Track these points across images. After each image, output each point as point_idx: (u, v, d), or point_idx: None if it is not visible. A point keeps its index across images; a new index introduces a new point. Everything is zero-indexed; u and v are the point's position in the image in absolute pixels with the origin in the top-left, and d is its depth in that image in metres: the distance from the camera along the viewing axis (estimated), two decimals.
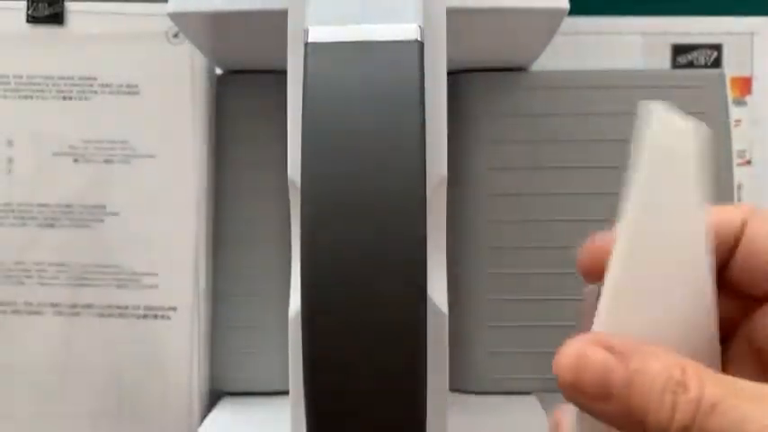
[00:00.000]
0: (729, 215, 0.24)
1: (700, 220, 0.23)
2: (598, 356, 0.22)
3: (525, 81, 0.49)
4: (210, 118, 0.50)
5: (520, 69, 0.49)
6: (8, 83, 0.51)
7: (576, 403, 0.22)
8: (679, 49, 0.56)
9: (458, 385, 0.49)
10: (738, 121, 0.55)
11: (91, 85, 0.50)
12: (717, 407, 0.21)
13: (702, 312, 0.23)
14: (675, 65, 0.56)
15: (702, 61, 0.56)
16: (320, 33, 0.28)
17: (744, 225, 0.24)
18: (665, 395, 0.21)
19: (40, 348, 0.49)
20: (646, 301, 0.23)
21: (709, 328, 0.23)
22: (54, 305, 0.49)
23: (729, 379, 0.21)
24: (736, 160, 0.50)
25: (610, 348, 0.22)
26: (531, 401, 0.48)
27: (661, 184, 0.22)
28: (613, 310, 0.23)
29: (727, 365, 0.24)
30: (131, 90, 0.50)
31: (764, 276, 0.23)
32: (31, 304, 0.50)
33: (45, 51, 0.51)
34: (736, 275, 0.24)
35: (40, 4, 0.51)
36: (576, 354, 0.22)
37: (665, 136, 0.23)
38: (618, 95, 0.49)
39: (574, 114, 0.49)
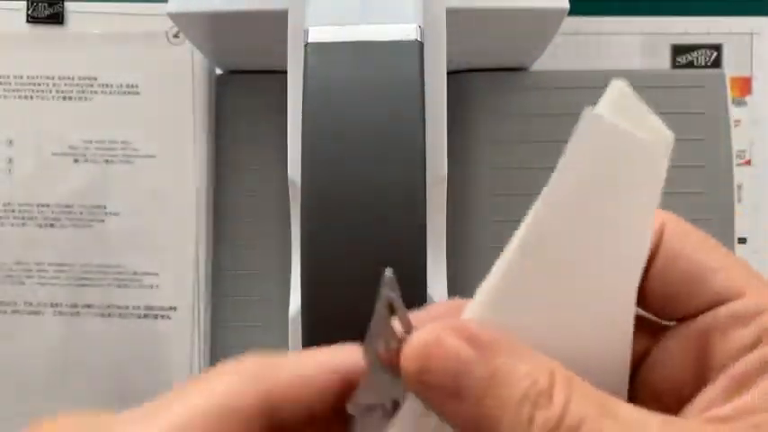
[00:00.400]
0: None
1: (621, 230, 0.20)
2: (453, 345, 0.18)
3: (526, 81, 0.49)
4: (210, 118, 0.50)
5: (520, 69, 0.49)
6: (8, 83, 0.51)
7: (422, 399, 0.19)
8: (679, 50, 0.56)
9: None
10: (738, 121, 0.55)
11: (91, 85, 0.50)
12: (578, 430, 0.17)
13: (613, 334, 0.20)
14: (675, 65, 0.56)
15: (702, 61, 0.56)
16: (320, 33, 0.28)
17: (661, 231, 0.21)
18: (524, 406, 0.18)
19: (40, 348, 0.49)
20: (542, 299, 0.19)
21: (618, 354, 0.20)
22: (54, 305, 0.49)
23: (603, 396, 0.18)
24: (736, 160, 0.50)
25: (471, 339, 0.18)
26: None
27: (581, 184, 0.19)
28: (497, 296, 0.19)
29: (642, 367, 0.22)
30: (131, 90, 0.50)
31: (682, 289, 0.20)
32: (31, 304, 0.50)
33: (45, 51, 0.51)
34: (654, 291, 0.21)
35: (40, 5, 0.51)
36: (426, 339, 0.18)
37: (598, 138, 0.20)
38: None
39: (574, 114, 0.48)
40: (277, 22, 0.34)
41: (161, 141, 0.50)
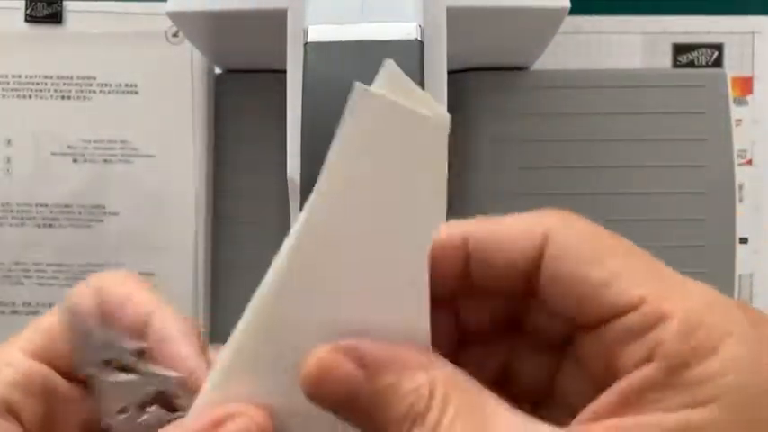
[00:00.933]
0: (529, 228, 0.21)
1: (405, 202, 0.20)
2: (343, 370, 0.20)
3: (526, 80, 0.49)
4: (209, 117, 0.50)
5: (521, 69, 0.49)
6: (7, 82, 0.50)
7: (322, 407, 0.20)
8: (680, 49, 0.56)
9: None
10: (739, 121, 0.55)
11: (90, 85, 0.50)
12: None
13: (408, 302, 0.20)
14: (676, 64, 0.56)
15: (703, 61, 0.56)
16: (320, 33, 0.28)
17: (542, 245, 0.20)
18: (403, 423, 0.19)
19: None
20: (331, 275, 0.20)
21: (415, 322, 0.20)
22: (53, 306, 0.49)
23: (481, 407, 0.19)
24: (737, 160, 0.50)
25: (360, 359, 0.20)
26: None
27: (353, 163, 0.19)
28: (282, 280, 0.20)
29: (557, 379, 0.22)
30: (130, 90, 0.50)
31: (575, 306, 0.20)
32: (29, 305, 0.49)
33: (44, 51, 0.51)
34: (549, 307, 0.21)
35: (38, 4, 0.51)
36: (320, 363, 0.20)
37: (372, 114, 0.19)
38: (619, 95, 0.49)
39: (575, 113, 0.48)
40: (276, 21, 0.34)
41: (160, 141, 0.50)
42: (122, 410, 0.24)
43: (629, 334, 0.19)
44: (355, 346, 0.20)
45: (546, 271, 0.20)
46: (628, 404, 0.18)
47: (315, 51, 0.28)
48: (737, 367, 0.18)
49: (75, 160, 0.50)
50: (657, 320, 0.19)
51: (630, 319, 0.19)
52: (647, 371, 0.18)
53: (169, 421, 0.23)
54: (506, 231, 0.21)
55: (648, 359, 0.18)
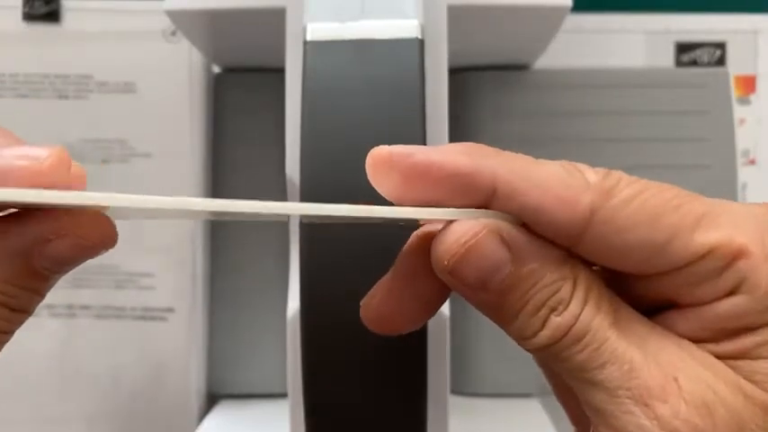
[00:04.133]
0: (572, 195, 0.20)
1: None
2: (493, 250, 0.20)
3: (528, 79, 0.49)
4: (208, 116, 0.50)
5: (522, 67, 0.49)
6: (3, 81, 0.50)
7: (450, 285, 0.20)
8: (682, 48, 0.56)
9: (459, 388, 0.48)
10: (742, 120, 0.54)
11: (87, 84, 0.50)
12: (586, 337, 0.20)
13: None
14: (679, 63, 0.56)
15: (706, 59, 0.56)
16: (319, 31, 0.28)
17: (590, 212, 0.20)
18: (542, 309, 0.20)
19: (36, 350, 0.49)
20: None
21: None
22: (50, 306, 0.49)
23: (617, 308, 0.20)
24: (740, 160, 0.50)
25: (506, 243, 0.20)
26: (532, 404, 0.47)
27: None
28: None
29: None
30: (128, 88, 0.50)
31: (630, 258, 0.20)
32: None
33: (41, 49, 0.50)
34: (592, 256, 0.21)
35: (36, 2, 0.51)
36: (470, 236, 0.20)
37: None
38: (621, 94, 0.48)
39: (576, 112, 0.48)
40: (275, 19, 0.34)
41: (158, 140, 0.49)
42: None
43: (703, 277, 0.20)
44: (501, 227, 0.20)
45: (593, 240, 0.20)
46: (722, 332, 0.20)
47: (314, 50, 0.28)
48: None
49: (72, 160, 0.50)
50: (734, 259, 0.19)
51: (704, 265, 0.20)
52: (736, 301, 0.20)
53: None
54: (547, 200, 0.20)
55: (734, 291, 0.20)
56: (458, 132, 0.48)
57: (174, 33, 0.49)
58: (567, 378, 0.20)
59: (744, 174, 0.53)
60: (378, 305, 0.22)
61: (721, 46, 0.55)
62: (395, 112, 0.26)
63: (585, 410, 0.20)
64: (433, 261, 0.20)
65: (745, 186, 0.54)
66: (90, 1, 0.51)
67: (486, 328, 0.48)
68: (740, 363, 0.20)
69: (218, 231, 0.50)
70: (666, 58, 0.56)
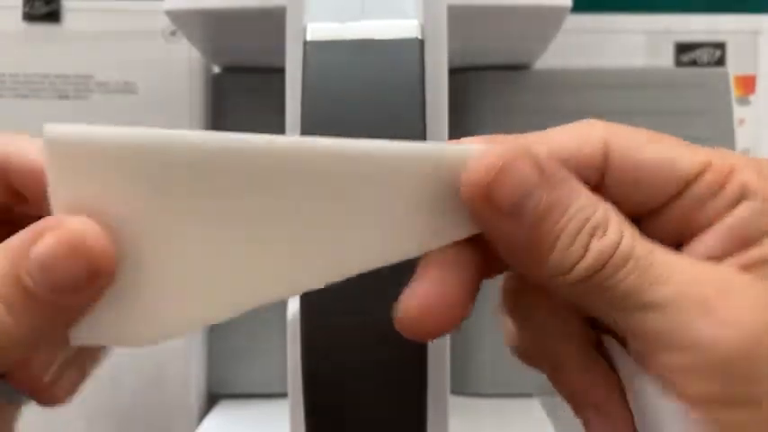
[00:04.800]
0: (586, 139, 0.22)
1: None
2: (525, 170, 0.19)
3: (528, 79, 0.49)
4: (208, 116, 0.50)
5: (522, 67, 0.49)
6: (4, 81, 0.50)
7: (481, 217, 0.20)
8: (682, 48, 0.56)
9: (459, 388, 0.48)
10: (742, 120, 0.54)
11: (87, 84, 0.50)
12: (630, 261, 0.19)
13: None
14: (679, 63, 0.56)
15: (706, 60, 0.56)
16: (319, 31, 0.28)
17: (605, 145, 0.21)
18: (581, 235, 0.19)
19: None
20: None
21: None
22: None
23: (647, 240, 0.20)
24: None
25: (538, 167, 0.19)
26: (533, 404, 0.47)
27: None
28: None
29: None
30: (128, 88, 0.50)
31: (647, 181, 0.21)
32: None
33: (41, 49, 0.50)
34: (614, 192, 0.21)
35: (36, 3, 0.51)
36: (501, 158, 0.19)
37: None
38: (621, 94, 0.48)
39: (576, 112, 0.48)
40: (275, 18, 0.34)
41: None
42: None
43: (707, 193, 0.21)
44: (534, 152, 0.20)
45: (613, 172, 0.21)
46: (738, 242, 0.20)
47: (314, 50, 0.28)
48: None
49: None
50: (730, 173, 0.21)
51: (704, 181, 0.21)
52: (741, 209, 0.20)
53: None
54: (567, 145, 0.21)
55: (737, 203, 0.20)
56: (458, 132, 0.48)
57: (173, 33, 0.49)
58: (608, 311, 0.20)
59: None
60: (421, 297, 0.21)
61: (721, 46, 0.55)
62: (395, 112, 0.26)
63: (632, 344, 0.20)
64: (466, 191, 0.20)
65: None
66: (90, 1, 0.51)
67: (486, 328, 0.48)
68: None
69: None
70: (666, 59, 0.56)
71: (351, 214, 0.21)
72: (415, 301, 0.21)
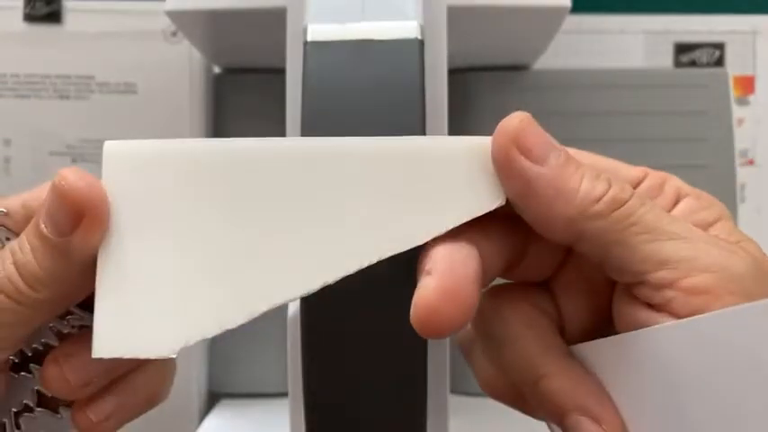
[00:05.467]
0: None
1: None
2: (541, 130, 0.23)
3: (527, 80, 0.49)
4: (208, 117, 0.50)
5: (522, 68, 0.49)
6: (5, 82, 0.50)
7: (511, 165, 0.22)
8: (681, 48, 0.56)
9: (459, 388, 0.48)
10: (741, 121, 0.54)
11: (88, 84, 0.50)
12: (647, 202, 0.22)
13: None
14: (678, 63, 0.56)
15: (705, 60, 0.56)
16: (319, 32, 0.28)
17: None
18: (602, 174, 0.22)
19: None
20: None
21: None
22: None
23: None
24: (738, 160, 0.50)
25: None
26: None
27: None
28: None
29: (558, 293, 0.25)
30: (129, 89, 0.50)
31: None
32: None
33: (42, 50, 0.51)
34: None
35: (37, 3, 0.51)
36: (529, 116, 0.23)
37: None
38: (620, 94, 0.48)
39: (576, 113, 0.48)
40: (276, 19, 0.34)
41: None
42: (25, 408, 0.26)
43: (649, 195, 0.23)
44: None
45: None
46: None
47: (315, 50, 0.28)
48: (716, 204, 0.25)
49: (73, 160, 0.50)
50: (664, 179, 0.25)
51: (646, 185, 0.24)
52: (681, 207, 0.24)
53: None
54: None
55: (676, 202, 0.24)
56: (458, 132, 0.48)
57: (174, 34, 0.50)
58: (634, 247, 0.21)
59: (742, 174, 0.53)
60: (437, 291, 0.21)
61: (720, 46, 0.56)
62: (395, 112, 0.26)
63: (654, 277, 0.21)
64: (498, 144, 0.23)
65: (744, 186, 0.54)
66: (91, 2, 0.51)
67: None
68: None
69: None
70: (665, 59, 0.56)
71: (350, 208, 0.22)
72: (431, 295, 0.21)
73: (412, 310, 0.21)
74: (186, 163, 0.23)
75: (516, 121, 0.23)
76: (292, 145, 0.23)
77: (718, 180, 0.48)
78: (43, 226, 0.23)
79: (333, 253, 0.22)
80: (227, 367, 0.49)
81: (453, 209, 0.22)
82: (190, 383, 0.48)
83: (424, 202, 0.22)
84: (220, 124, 0.50)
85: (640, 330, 0.21)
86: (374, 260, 0.22)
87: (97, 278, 0.22)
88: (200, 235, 0.22)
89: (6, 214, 0.26)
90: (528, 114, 0.23)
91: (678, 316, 0.21)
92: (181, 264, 0.22)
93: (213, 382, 0.50)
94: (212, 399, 0.50)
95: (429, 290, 0.21)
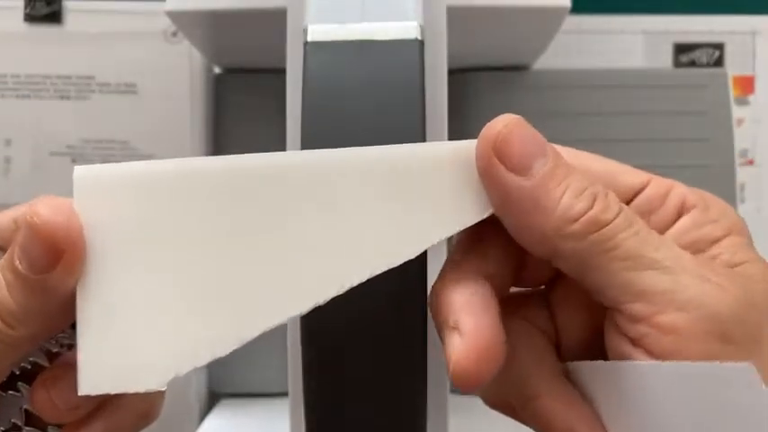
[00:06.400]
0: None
1: None
2: (533, 133, 0.21)
3: (527, 80, 0.49)
4: (209, 117, 0.50)
5: (522, 68, 0.49)
6: (6, 82, 0.50)
7: (490, 174, 0.21)
8: (681, 48, 0.56)
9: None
10: (741, 121, 0.55)
11: (89, 85, 0.50)
12: (634, 224, 0.20)
13: None
14: (677, 64, 0.56)
15: (704, 60, 0.56)
16: (320, 32, 0.28)
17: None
18: (586, 191, 0.21)
19: None
20: None
21: None
22: None
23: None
24: (738, 160, 0.50)
25: (540, 138, 0.21)
26: None
27: None
28: None
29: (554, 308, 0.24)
30: (129, 89, 0.50)
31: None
32: None
33: (43, 50, 0.51)
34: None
35: (37, 3, 0.51)
36: (516, 120, 0.21)
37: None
38: (620, 94, 0.48)
39: (576, 113, 0.48)
40: (276, 20, 0.34)
41: (159, 141, 0.49)
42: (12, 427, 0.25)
43: (651, 205, 0.22)
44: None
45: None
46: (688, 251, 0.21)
47: (315, 51, 0.28)
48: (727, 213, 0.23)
49: (74, 160, 0.50)
50: (669, 188, 0.23)
51: (647, 193, 0.23)
52: (685, 220, 0.22)
53: None
54: None
55: (679, 215, 0.22)
56: (458, 132, 0.48)
57: (174, 34, 0.50)
58: (611, 273, 0.20)
59: (742, 174, 0.53)
60: (472, 350, 0.21)
61: (719, 47, 0.56)
62: (395, 112, 0.26)
63: (631, 309, 0.20)
64: (480, 151, 0.21)
65: (744, 186, 0.54)
66: (91, 2, 0.51)
67: None
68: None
69: None
70: (665, 59, 0.56)
71: (347, 222, 0.22)
72: (467, 361, 0.21)
73: (450, 371, 0.21)
74: (161, 186, 0.22)
75: (500, 125, 0.21)
76: (269, 162, 0.22)
77: (718, 180, 0.48)
78: (18, 262, 0.21)
79: (321, 273, 0.21)
80: (227, 367, 0.49)
81: (442, 221, 0.22)
82: (190, 383, 0.48)
83: (411, 214, 0.21)
84: (220, 124, 0.50)
85: (627, 363, 0.21)
86: (364, 278, 0.21)
87: (77, 312, 0.21)
88: (181, 260, 0.21)
89: None
90: (514, 117, 0.21)
91: (652, 354, 0.20)
92: (163, 291, 0.21)
93: (213, 382, 0.50)
94: (212, 399, 0.50)
95: (463, 354, 0.21)
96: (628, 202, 0.23)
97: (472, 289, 0.21)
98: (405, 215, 0.22)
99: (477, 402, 0.49)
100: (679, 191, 0.23)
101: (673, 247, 0.21)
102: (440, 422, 0.31)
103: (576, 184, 0.21)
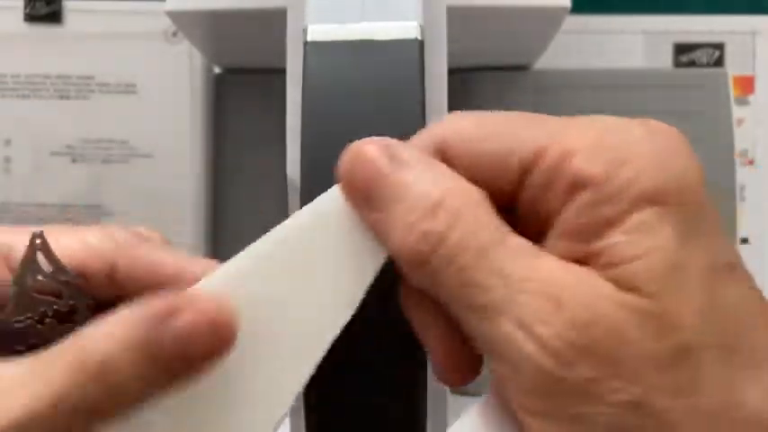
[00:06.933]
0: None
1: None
2: (372, 155, 0.20)
3: (527, 80, 0.49)
4: (209, 117, 0.50)
5: (522, 68, 0.49)
6: (6, 82, 0.50)
7: (360, 212, 0.21)
8: (681, 48, 0.56)
9: (459, 388, 0.48)
10: (741, 121, 0.55)
11: (89, 85, 0.50)
12: (461, 255, 0.19)
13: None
14: (677, 64, 0.56)
15: (704, 60, 0.56)
16: (320, 32, 0.28)
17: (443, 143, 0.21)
18: (415, 218, 0.19)
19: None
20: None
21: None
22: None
23: (502, 233, 0.19)
24: (738, 160, 0.50)
25: (392, 156, 0.20)
26: None
27: None
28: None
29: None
30: (129, 89, 0.50)
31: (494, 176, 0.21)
32: None
33: (43, 50, 0.51)
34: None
35: (37, 3, 0.51)
36: (356, 149, 0.21)
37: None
38: (620, 94, 0.48)
39: (576, 113, 0.48)
40: (276, 20, 0.34)
41: (159, 141, 0.50)
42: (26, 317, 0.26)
43: (542, 185, 0.20)
44: (390, 142, 0.21)
45: (456, 165, 0.21)
46: (578, 237, 0.19)
47: (315, 50, 0.28)
48: (648, 172, 0.19)
49: (74, 160, 0.50)
50: (561, 161, 0.19)
51: (539, 169, 0.20)
52: (581, 197, 0.19)
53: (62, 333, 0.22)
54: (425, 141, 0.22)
55: (570, 195, 0.19)
56: None
57: (174, 34, 0.50)
58: (455, 308, 0.20)
59: (742, 174, 0.53)
60: (441, 367, 0.22)
61: (720, 47, 0.56)
62: (395, 112, 0.26)
63: (477, 345, 0.20)
64: (343, 186, 0.21)
65: (744, 187, 0.54)
66: (91, 2, 0.51)
67: None
68: (619, 271, 0.18)
69: (220, 232, 0.50)
70: (665, 59, 0.56)
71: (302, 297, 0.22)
72: (439, 368, 0.22)
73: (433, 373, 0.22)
74: None
75: (345, 162, 0.21)
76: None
77: (718, 180, 0.48)
78: (160, 350, 0.19)
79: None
80: None
81: (348, 279, 0.22)
82: None
83: (326, 279, 0.22)
84: (220, 124, 0.50)
85: None
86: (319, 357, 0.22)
87: None
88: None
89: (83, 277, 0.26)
90: (356, 145, 0.21)
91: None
92: None
93: None
94: None
95: (435, 366, 0.22)
96: (523, 180, 0.20)
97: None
98: (321, 281, 0.22)
99: (477, 402, 0.49)
100: (573, 165, 0.19)
101: (506, 277, 0.19)
102: (440, 422, 0.31)
103: (408, 206, 0.20)
